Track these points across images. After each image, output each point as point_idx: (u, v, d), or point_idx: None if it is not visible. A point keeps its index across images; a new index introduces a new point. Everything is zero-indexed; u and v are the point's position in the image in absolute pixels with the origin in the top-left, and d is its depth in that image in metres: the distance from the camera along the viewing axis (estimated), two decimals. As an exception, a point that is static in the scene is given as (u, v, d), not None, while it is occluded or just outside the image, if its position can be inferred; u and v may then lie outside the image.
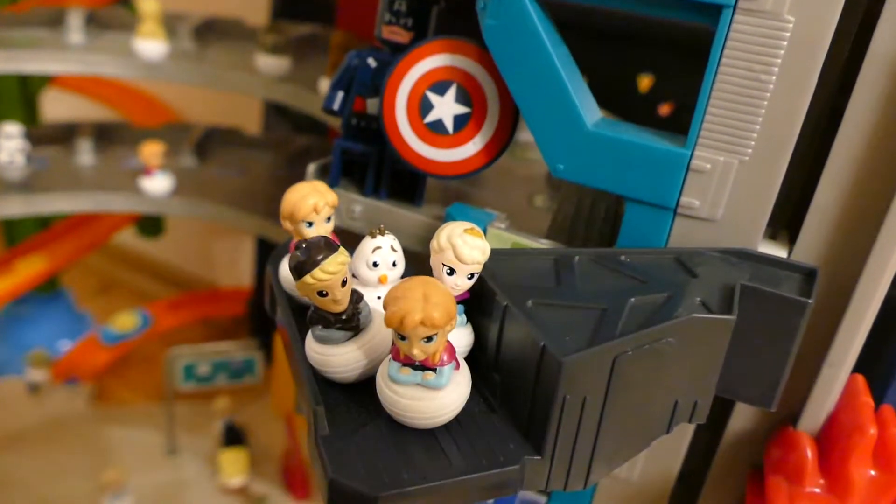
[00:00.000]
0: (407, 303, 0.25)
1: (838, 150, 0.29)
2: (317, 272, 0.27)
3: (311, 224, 0.33)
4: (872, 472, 0.30)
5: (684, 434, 0.36)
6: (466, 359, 0.31)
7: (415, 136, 0.38)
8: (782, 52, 0.28)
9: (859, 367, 0.33)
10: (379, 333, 0.29)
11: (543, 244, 0.36)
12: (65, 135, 0.90)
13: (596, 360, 0.25)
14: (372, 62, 0.42)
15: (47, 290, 1.20)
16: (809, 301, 0.27)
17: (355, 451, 0.26)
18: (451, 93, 0.37)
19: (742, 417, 0.35)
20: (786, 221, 0.32)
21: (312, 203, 0.32)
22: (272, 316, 0.37)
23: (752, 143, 0.30)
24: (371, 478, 0.25)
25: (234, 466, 0.88)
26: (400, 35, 0.41)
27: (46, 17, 0.83)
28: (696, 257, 0.31)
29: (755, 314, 0.28)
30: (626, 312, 0.27)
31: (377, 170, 0.42)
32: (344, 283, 0.28)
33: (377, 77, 0.41)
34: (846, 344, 0.30)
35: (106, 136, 0.93)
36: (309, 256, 0.27)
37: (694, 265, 0.30)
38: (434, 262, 0.30)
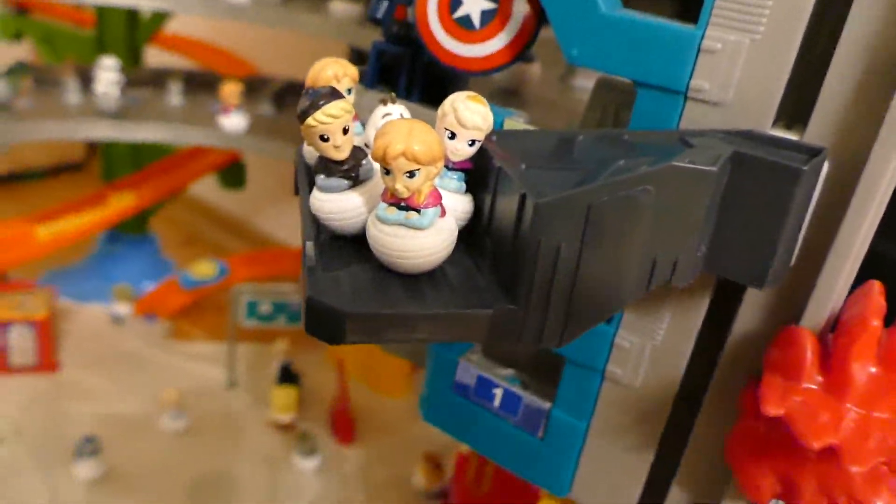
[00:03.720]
0: (391, 136, 0.26)
1: (849, 29, 0.28)
2: (318, 115, 0.28)
3: None
4: (873, 370, 0.29)
5: (688, 338, 0.35)
6: (465, 229, 0.32)
7: (444, 32, 0.39)
8: (796, -84, 0.27)
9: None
10: (377, 187, 0.31)
11: (560, 140, 0.37)
12: (159, 79, 0.97)
13: (571, 206, 0.25)
14: None
15: (138, 232, 1.28)
16: (804, 168, 0.26)
17: (337, 281, 0.27)
18: None
19: (747, 320, 0.34)
20: (805, 115, 0.31)
21: (332, 72, 0.34)
22: (296, 194, 0.39)
23: (764, 20, 0.29)
24: (345, 300, 0.26)
25: (284, 403, 0.91)
26: None
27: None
28: (700, 136, 0.30)
29: (748, 183, 0.27)
30: (612, 170, 0.27)
31: (410, 71, 0.43)
32: (346, 131, 0.29)
33: None
34: (852, 232, 0.29)
35: (196, 83, 0.99)
36: (313, 101, 0.29)
37: (693, 140, 0.29)
38: (438, 127, 0.31)
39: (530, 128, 0.37)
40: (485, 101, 0.31)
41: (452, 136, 0.31)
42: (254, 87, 0.97)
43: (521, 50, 0.38)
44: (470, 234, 0.32)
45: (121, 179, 1.13)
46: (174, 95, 0.93)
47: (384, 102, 0.33)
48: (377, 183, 0.30)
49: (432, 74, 0.42)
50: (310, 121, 0.29)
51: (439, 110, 0.31)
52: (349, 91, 0.36)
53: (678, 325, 0.35)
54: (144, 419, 0.90)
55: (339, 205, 0.30)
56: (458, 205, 0.31)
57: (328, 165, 0.30)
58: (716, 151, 0.28)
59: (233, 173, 1.22)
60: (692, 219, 0.27)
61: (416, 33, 0.40)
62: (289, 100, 0.99)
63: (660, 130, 0.32)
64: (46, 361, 0.97)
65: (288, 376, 0.96)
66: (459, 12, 0.39)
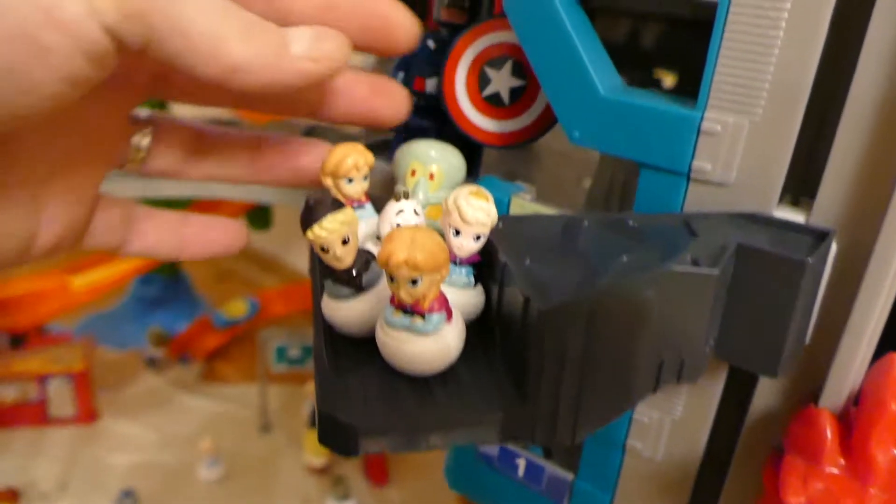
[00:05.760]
0: (394, 245, 0.26)
1: (852, 105, 0.28)
2: (316, 229, 0.29)
3: (350, 180, 0.36)
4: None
5: (706, 413, 0.35)
6: (477, 319, 0.32)
7: (473, 109, 0.40)
8: (788, 5, 0.27)
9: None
10: (385, 292, 0.31)
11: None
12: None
13: (573, 310, 0.25)
14: (431, 44, 0.44)
15: (171, 274, 1.31)
16: (808, 260, 0.26)
17: (349, 390, 0.28)
18: (508, 67, 0.39)
19: (765, 395, 0.33)
20: (811, 189, 0.31)
21: (353, 161, 0.35)
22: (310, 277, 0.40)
23: (763, 101, 0.29)
24: (357, 412, 0.27)
25: (317, 446, 0.92)
26: (457, 16, 0.43)
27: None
28: (703, 220, 0.30)
29: (753, 275, 0.27)
30: (615, 268, 0.27)
31: None
32: (346, 242, 0.30)
33: (436, 58, 0.43)
34: (865, 311, 0.28)
35: (218, 132, 1.00)
36: (312, 213, 0.29)
37: (698, 226, 0.29)
38: (443, 223, 0.32)
39: (537, 208, 0.37)
40: (488, 194, 0.31)
41: (457, 232, 0.31)
42: (278, 130, 0.99)
43: (552, 121, 0.39)
44: (480, 323, 0.32)
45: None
46: (198, 147, 0.94)
47: (396, 198, 0.34)
48: (384, 287, 0.31)
49: (460, 143, 0.42)
50: (309, 234, 0.29)
51: (443, 206, 0.31)
52: (365, 178, 0.37)
53: (696, 399, 0.35)
54: (181, 468, 0.92)
55: (344, 312, 0.31)
56: (468, 299, 0.32)
57: (333, 272, 0.31)
58: (719, 242, 0.28)
59: (260, 215, 1.24)
60: (695, 320, 0.27)
61: (441, 107, 0.41)
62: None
63: (664, 214, 0.32)
64: (85, 412, 0.99)
65: (320, 418, 0.97)
66: (489, 90, 0.39)
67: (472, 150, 0.43)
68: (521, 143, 0.40)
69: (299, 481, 0.92)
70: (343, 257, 0.30)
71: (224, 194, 0.89)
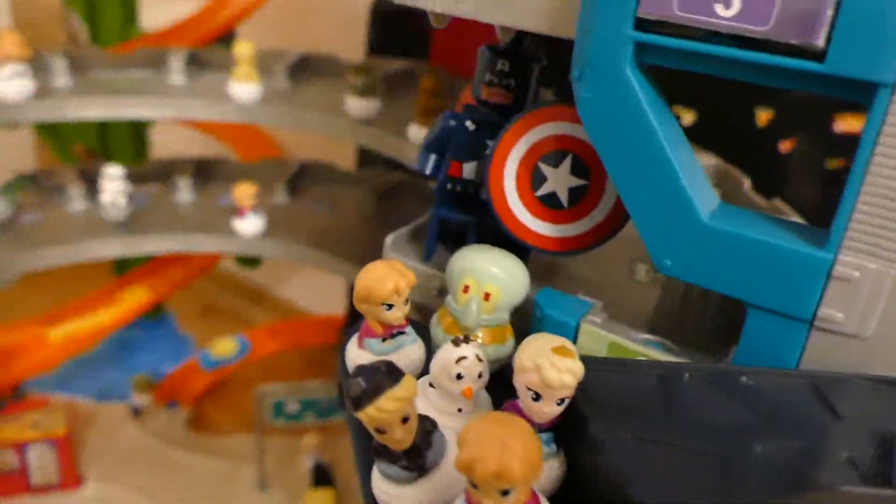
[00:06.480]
0: (480, 448, 0.21)
1: None
2: (372, 410, 0.23)
3: (390, 307, 0.30)
4: None
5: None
6: (558, 492, 0.27)
7: (526, 211, 0.35)
8: (961, 142, 0.22)
9: None
10: (452, 471, 0.26)
11: (647, 341, 0.32)
12: (167, 171, 0.92)
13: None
14: (470, 125, 0.38)
15: (153, 314, 1.24)
16: None
17: None
18: (567, 164, 0.33)
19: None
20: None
21: (392, 286, 0.30)
22: (341, 408, 0.34)
23: (917, 249, 0.24)
24: None
25: (320, 504, 0.87)
26: (501, 96, 0.38)
27: (151, 57, 0.85)
28: (839, 387, 0.25)
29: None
30: (750, 467, 0.22)
31: (479, 237, 0.38)
32: (406, 420, 0.24)
33: (475, 140, 0.38)
34: None
35: (205, 171, 0.94)
36: (366, 390, 0.24)
37: (836, 398, 0.24)
38: (517, 383, 0.26)
39: (612, 338, 0.31)
40: (573, 350, 0.25)
41: (537, 397, 0.25)
42: (267, 171, 0.92)
43: (619, 225, 0.33)
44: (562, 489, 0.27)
45: (132, 272, 1.09)
46: (183, 192, 0.88)
47: (456, 343, 0.28)
48: (451, 467, 0.26)
49: (505, 242, 0.37)
50: (362, 416, 0.24)
51: (517, 361, 0.26)
52: (407, 301, 0.31)
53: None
54: (175, 537, 0.85)
55: (403, 500, 0.25)
56: (551, 472, 0.26)
57: (388, 451, 0.25)
58: (874, 429, 0.23)
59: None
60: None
61: (487, 204, 0.35)
62: (303, 184, 0.94)
63: (783, 370, 0.26)
64: (69, 478, 0.92)
65: (322, 477, 0.91)
66: (544, 189, 0.34)
67: (518, 251, 0.38)
68: (579, 251, 0.35)
69: (302, 549, 0.86)
70: (404, 439, 0.25)
71: (211, 248, 0.83)
